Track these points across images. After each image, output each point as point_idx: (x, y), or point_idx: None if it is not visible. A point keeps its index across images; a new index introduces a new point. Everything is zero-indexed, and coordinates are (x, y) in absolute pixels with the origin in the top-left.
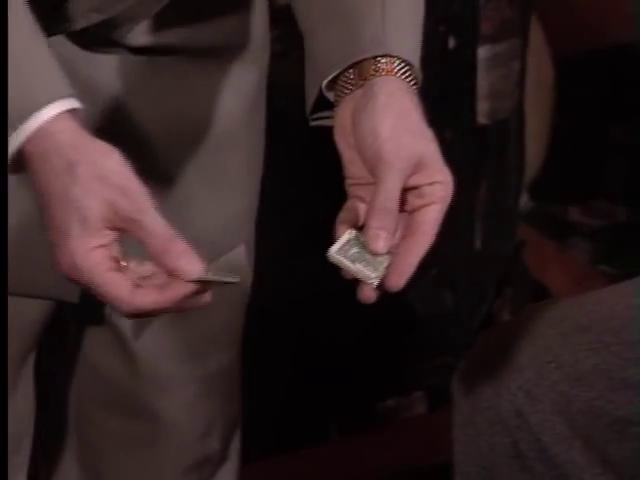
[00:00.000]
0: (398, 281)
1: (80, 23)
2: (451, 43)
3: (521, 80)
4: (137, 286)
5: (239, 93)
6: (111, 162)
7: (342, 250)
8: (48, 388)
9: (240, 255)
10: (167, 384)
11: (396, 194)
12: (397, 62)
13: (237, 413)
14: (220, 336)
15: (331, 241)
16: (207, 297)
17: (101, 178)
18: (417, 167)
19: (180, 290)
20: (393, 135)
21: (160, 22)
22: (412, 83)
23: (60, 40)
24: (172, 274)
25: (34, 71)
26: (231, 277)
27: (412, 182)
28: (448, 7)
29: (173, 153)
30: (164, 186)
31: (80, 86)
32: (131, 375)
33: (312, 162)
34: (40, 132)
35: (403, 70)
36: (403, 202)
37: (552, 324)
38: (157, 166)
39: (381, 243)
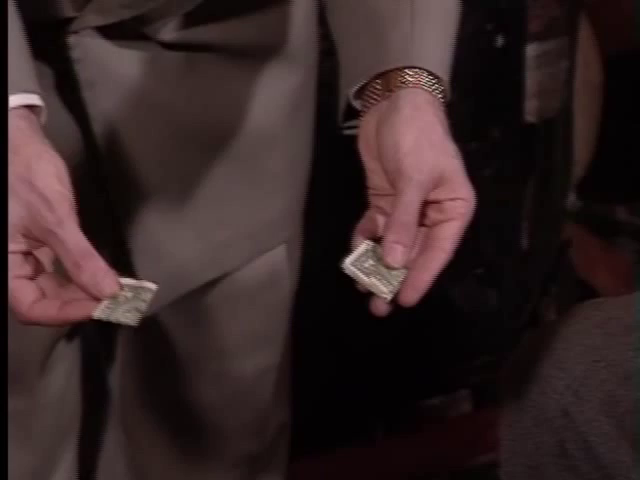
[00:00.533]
0: (412, 297)
1: (111, 18)
2: (499, 41)
3: (569, 79)
4: (42, 297)
5: (280, 91)
6: (44, 168)
7: (357, 262)
8: (95, 381)
9: (279, 256)
10: (206, 381)
11: (415, 208)
12: (424, 75)
13: (285, 411)
14: (260, 334)
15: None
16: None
17: (28, 182)
18: (438, 182)
19: (81, 312)
20: (415, 149)
21: (193, 18)
22: (440, 96)
23: (90, 34)
24: (83, 290)
25: (11, 61)
26: (132, 315)
27: (433, 197)
28: (496, 5)
29: (209, 149)
30: (200, 182)
31: (110, 81)
32: (172, 370)
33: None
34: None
35: (431, 83)
36: (423, 216)
37: (599, 323)
38: (191, 162)
39: (397, 257)
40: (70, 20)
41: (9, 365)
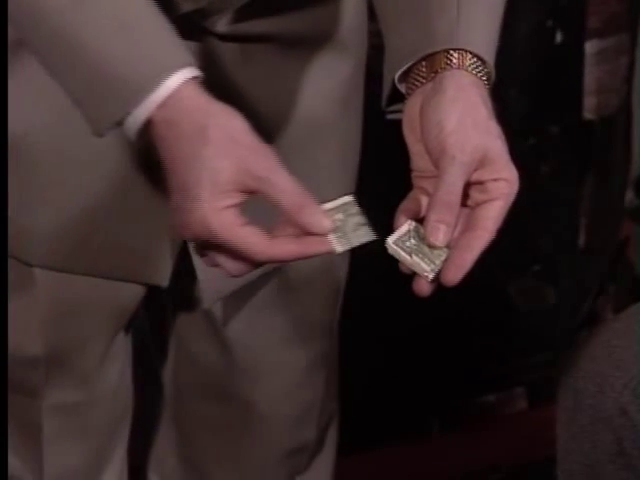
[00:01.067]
0: (455, 276)
1: (173, 11)
2: (558, 38)
3: (629, 76)
4: (272, 237)
5: (332, 81)
6: (239, 124)
7: (400, 240)
8: (147, 374)
9: None
10: (261, 372)
11: (458, 188)
12: (469, 57)
13: (334, 402)
14: (314, 324)
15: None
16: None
17: (232, 139)
18: (482, 162)
19: (317, 245)
20: (458, 129)
21: (248, 10)
22: (484, 79)
23: None
24: (305, 230)
25: (158, 40)
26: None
27: (476, 177)
28: (555, 2)
29: (263, 140)
30: None
31: None
32: (224, 362)
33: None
34: (170, 99)
35: (475, 65)
36: (466, 197)
37: None
38: None
39: (440, 236)
40: None
41: (67, 358)
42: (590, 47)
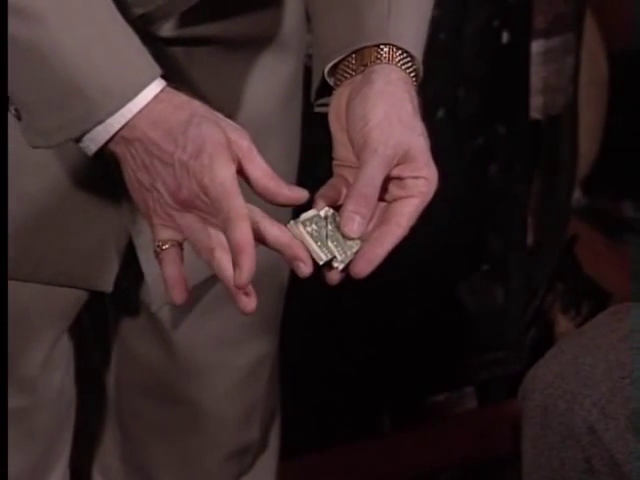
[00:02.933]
0: (363, 269)
1: (125, 17)
2: (505, 38)
3: (575, 75)
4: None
5: (276, 82)
6: (230, 123)
7: (308, 222)
8: (89, 375)
9: None
10: (206, 372)
11: (377, 181)
12: (399, 52)
13: (276, 402)
14: (258, 325)
15: None
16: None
17: (214, 114)
18: (403, 158)
19: (296, 248)
20: (383, 123)
21: (193, 15)
22: (412, 75)
23: None
24: (282, 201)
25: (137, 47)
26: None
27: (396, 172)
28: (502, 1)
29: None
30: None
31: None
32: (169, 363)
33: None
34: (157, 98)
35: (404, 61)
36: (384, 191)
37: (623, 337)
38: None
39: (354, 227)
40: None
41: (11, 364)
42: (536, 47)
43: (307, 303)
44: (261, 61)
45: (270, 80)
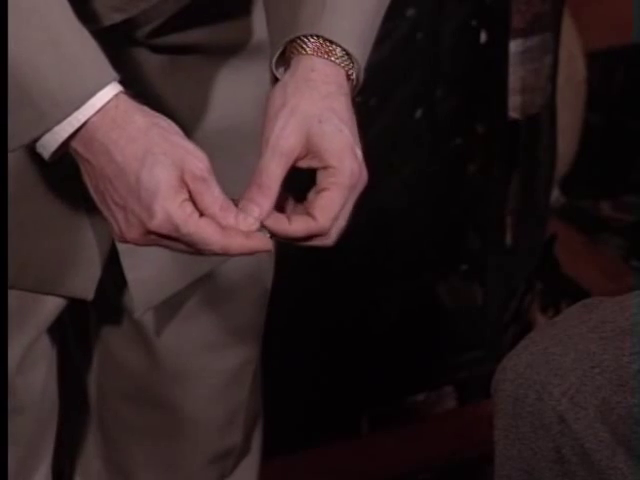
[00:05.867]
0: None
1: (103, 22)
2: (483, 37)
3: (553, 75)
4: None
5: (258, 86)
6: (173, 127)
7: None
8: (72, 380)
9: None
10: (189, 376)
11: (271, 171)
12: (332, 47)
13: (258, 406)
14: (240, 330)
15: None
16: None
17: (169, 140)
18: (309, 150)
19: (260, 241)
20: (281, 113)
21: (179, 22)
22: (347, 69)
23: None
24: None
25: (90, 54)
26: None
27: (305, 163)
28: (480, 1)
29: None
30: None
31: None
32: (152, 368)
33: None
34: (109, 105)
35: (337, 55)
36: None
37: (594, 327)
38: None
39: (247, 216)
40: None
41: None
42: (514, 46)
43: (286, 304)
44: (245, 68)
45: (254, 85)
